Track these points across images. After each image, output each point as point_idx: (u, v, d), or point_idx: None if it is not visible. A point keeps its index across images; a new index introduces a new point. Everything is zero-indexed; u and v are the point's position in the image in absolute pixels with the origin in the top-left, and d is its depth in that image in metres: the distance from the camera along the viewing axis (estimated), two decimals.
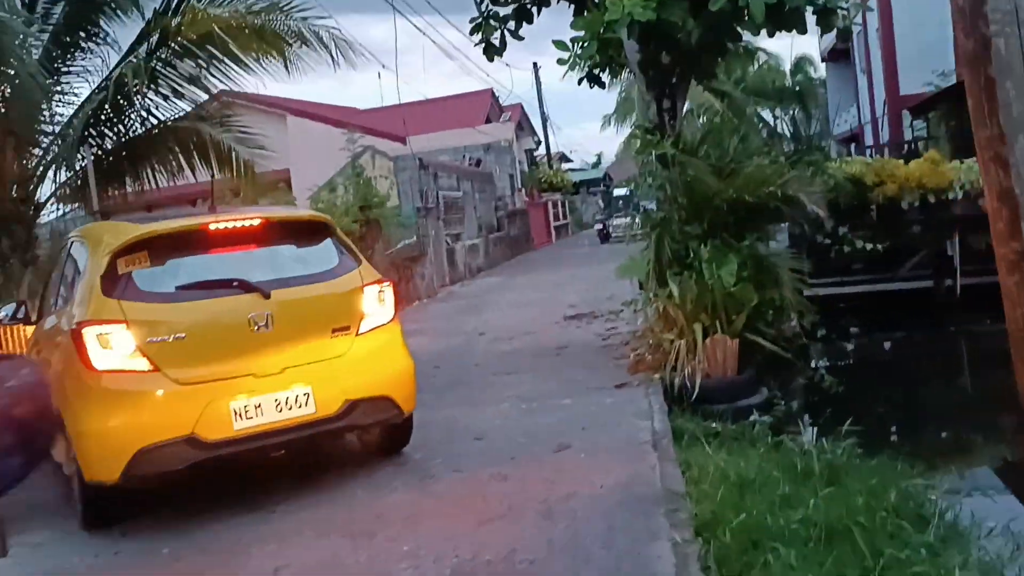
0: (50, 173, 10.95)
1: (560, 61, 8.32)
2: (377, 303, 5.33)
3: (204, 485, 5.10)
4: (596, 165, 63.59)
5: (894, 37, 24.78)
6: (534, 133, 42.59)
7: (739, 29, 8.48)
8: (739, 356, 7.15)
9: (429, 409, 6.82)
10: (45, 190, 11.13)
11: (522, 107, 40.40)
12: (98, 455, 4.62)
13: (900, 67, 24.56)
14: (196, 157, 11.59)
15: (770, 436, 6.10)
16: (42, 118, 10.58)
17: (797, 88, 46.98)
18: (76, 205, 11.89)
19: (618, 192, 36.07)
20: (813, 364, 8.50)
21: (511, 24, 9.49)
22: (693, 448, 5.51)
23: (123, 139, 11.42)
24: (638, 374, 7.52)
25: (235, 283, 4.92)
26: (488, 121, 34.69)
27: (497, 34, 9.50)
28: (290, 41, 11.00)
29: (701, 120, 9.80)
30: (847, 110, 34.77)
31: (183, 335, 4.69)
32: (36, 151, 10.78)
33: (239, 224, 5.09)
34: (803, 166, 7.77)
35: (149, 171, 11.61)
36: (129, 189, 11.61)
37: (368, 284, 5.33)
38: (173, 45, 10.73)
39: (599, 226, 33.21)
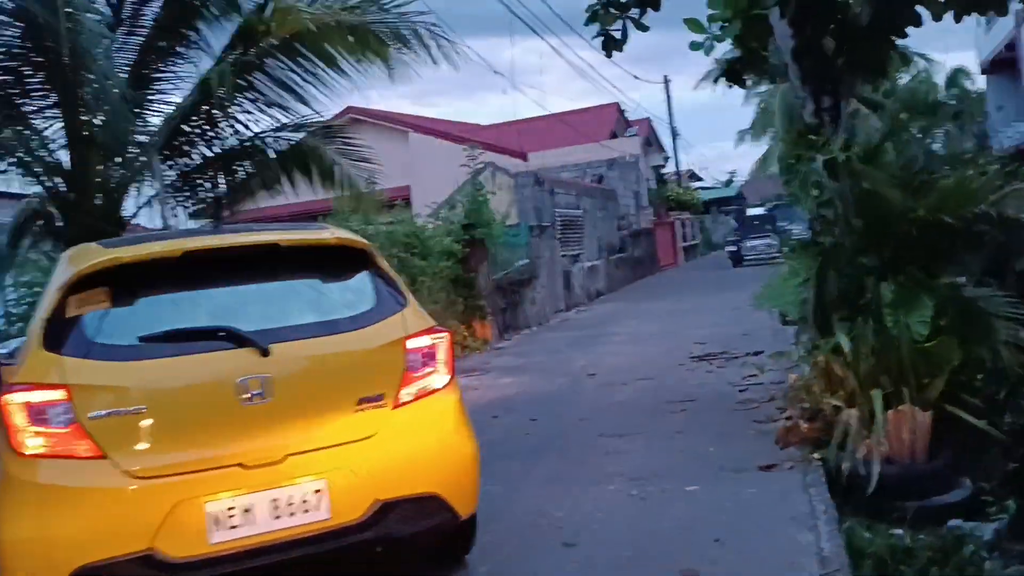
0: (134, 187, 10.22)
1: (693, 45, 6.72)
2: (426, 362, 3.80)
3: None
4: (729, 184, 60.64)
5: None
6: (662, 149, 40.74)
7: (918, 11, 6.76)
8: (931, 434, 5.27)
9: (513, 487, 5.36)
10: (130, 206, 10.43)
11: (650, 122, 38.68)
12: None
13: None
14: (296, 171, 10.64)
15: (990, 562, 4.25)
16: (134, 128, 9.83)
17: (954, 102, 43.27)
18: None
19: (753, 212, 33.64)
20: None
21: (634, 12, 7.97)
22: None
23: (214, 150, 10.59)
24: (789, 449, 5.74)
25: (221, 333, 3.49)
26: (614, 136, 33.09)
27: (618, 24, 8.00)
28: (388, 41, 9.86)
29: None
30: (1010, 125, 31.43)
31: (143, 407, 3.29)
32: (121, 163, 10.04)
33: (236, 249, 3.68)
34: None
35: (248, 186, 10.75)
36: (227, 210, 10.76)
37: (414, 335, 3.80)
38: (263, 46, 9.77)
39: (731, 248, 31.13)
